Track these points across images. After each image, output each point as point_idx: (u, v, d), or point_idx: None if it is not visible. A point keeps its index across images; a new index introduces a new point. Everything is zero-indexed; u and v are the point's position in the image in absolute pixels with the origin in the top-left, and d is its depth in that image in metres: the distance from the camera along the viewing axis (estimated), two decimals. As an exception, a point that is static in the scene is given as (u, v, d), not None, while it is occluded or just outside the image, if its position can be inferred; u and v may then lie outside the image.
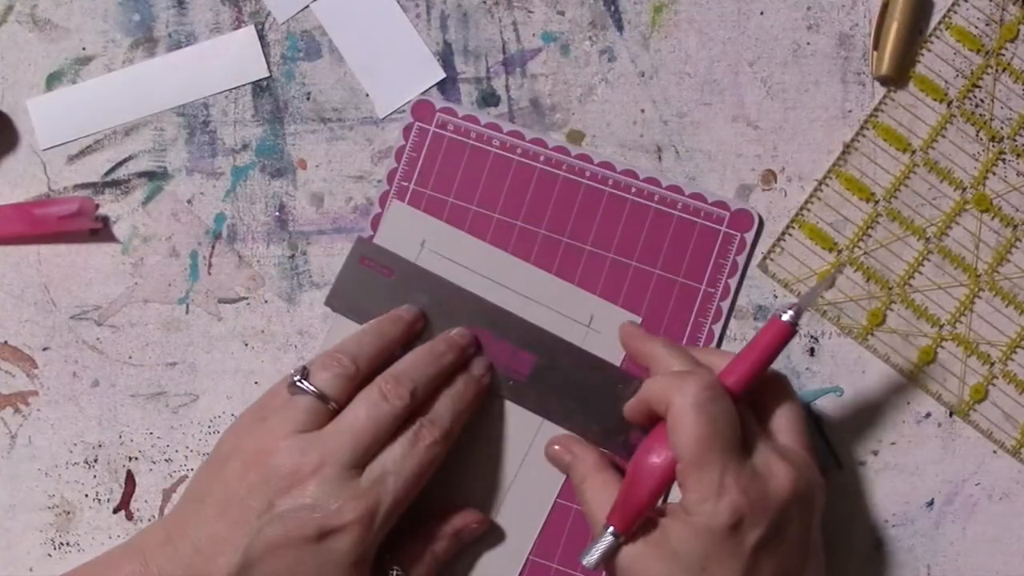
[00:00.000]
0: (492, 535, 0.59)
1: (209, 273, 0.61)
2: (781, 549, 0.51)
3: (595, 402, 0.59)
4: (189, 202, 0.61)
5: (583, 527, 0.59)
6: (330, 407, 0.54)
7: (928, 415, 0.60)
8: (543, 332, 0.60)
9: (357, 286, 0.60)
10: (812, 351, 0.61)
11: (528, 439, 0.60)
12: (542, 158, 0.61)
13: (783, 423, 0.54)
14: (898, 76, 0.61)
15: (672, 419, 0.51)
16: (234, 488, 0.52)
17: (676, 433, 0.51)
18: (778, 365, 0.60)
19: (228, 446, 0.54)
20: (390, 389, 0.54)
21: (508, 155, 0.61)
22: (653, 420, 0.54)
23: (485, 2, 0.62)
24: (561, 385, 0.59)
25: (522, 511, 0.59)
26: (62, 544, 0.61)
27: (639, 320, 0.60)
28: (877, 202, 0.61)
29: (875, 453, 0.60)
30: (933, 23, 0.61)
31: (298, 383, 0.54)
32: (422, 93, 0.61)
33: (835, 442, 0.60)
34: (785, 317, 0.53)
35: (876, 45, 0.61)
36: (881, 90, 0.61)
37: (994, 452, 0.60)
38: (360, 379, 0.55)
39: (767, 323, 0.53)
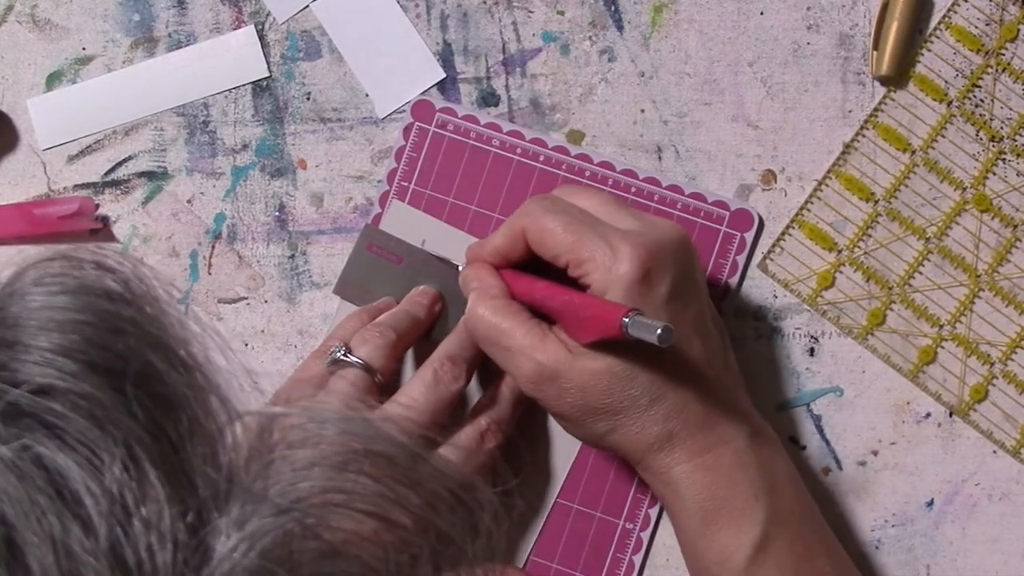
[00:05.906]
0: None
1: (209, 273, 0.61)
2: (693, 297, 0.51)
3: None
4: (189, 202, 0.61)
5: (583, 528, 0.59)
6: (376, 379, 0.53)
7: (928, 415, 0.60)
8: None
9: (365, 273, 0.60)
10: (812, 351, 0.61)
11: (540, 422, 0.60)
12: (542, 158, 0.61)
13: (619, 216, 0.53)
14: (898, 76, 0.61)
15: (535, 236, 0.51)
16: None
17: (545, 242, 0.51)
18: (778, 366, 0.60)
19: None
20: (446, 371, 0.53)
21: (508, 155, 0.61)
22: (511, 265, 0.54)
23: (485, 2, 0.62)
24: None
25: (523, 511, 0.59)
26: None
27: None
28: (877, 202, 0.61)
29: (875, 453, 0.60)
30: (933, 23, 0.61)
31: (343, 356, 0.53)
32: (422, 93, 0.61)
33: (835, 442, 0.60)
34: None
35: (876, 45, 0.60)
36: (881, 90, 0.61)
37: (994, 452, 0.60)
38: (400, 350, 0.54)
39: None
